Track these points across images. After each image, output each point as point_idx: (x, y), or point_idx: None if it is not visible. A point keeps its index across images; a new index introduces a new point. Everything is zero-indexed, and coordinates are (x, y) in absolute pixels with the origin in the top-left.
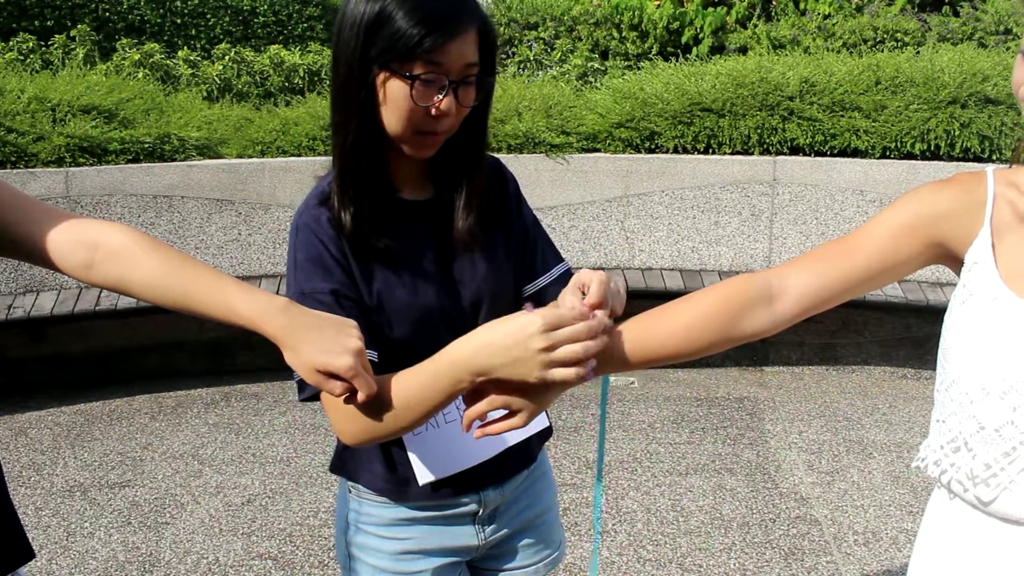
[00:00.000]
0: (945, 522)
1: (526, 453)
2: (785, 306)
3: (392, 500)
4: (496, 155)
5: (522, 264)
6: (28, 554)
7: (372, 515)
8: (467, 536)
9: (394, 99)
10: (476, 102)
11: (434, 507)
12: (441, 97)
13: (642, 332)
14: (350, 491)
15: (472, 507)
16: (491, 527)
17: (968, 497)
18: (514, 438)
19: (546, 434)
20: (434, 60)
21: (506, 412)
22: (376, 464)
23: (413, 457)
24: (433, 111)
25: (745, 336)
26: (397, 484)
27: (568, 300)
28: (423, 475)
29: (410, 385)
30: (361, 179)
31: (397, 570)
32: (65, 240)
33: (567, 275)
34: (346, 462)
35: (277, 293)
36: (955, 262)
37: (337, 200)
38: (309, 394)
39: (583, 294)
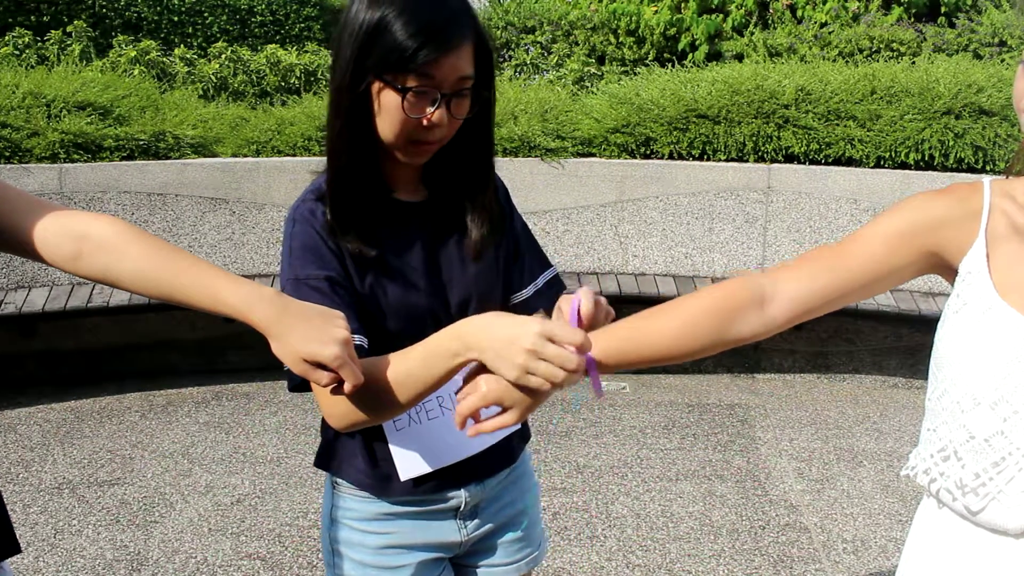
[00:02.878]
0: (933, 532)
1: (507, 452)
2: (778, 310)
3: (374, 495)
4: None
5: (509, 274)
6: (14, 548)
7: (355, 510)
8: (449, 531)
9: (387, 108)
10: (470, 114)
11: (416, 502)
12: (433, 109)
13: (634, 332)
14: (334, 486)
15: (454, 502)
16: (473, 522)
17: (957, 507)
18: (494, 435)
19: (525, 435)
20: (427, 73)
21: (499, 410)
22: (358, 459)
23: (395, 453)
24: (425, 122)
25: (737, 339)
26: (379, 479)
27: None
28: (405, 471)
29: (411, 357)
30: (352, 180)
31: (380, 564)
32: (52, 231)
33: (554, 281)
34: (329, 457)
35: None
36: (949, 272)
37: (329, 199)
38: (297, 382)
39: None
